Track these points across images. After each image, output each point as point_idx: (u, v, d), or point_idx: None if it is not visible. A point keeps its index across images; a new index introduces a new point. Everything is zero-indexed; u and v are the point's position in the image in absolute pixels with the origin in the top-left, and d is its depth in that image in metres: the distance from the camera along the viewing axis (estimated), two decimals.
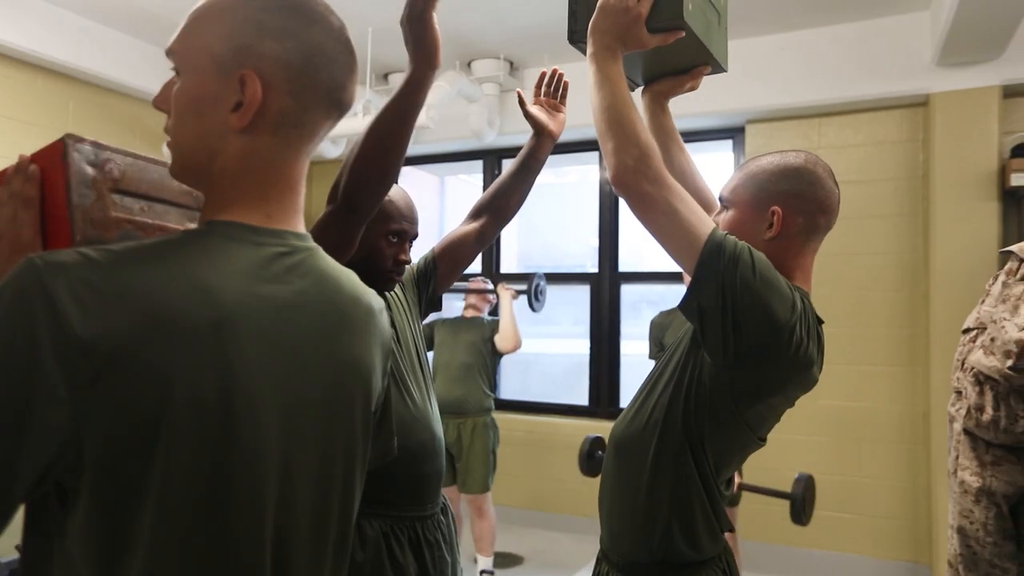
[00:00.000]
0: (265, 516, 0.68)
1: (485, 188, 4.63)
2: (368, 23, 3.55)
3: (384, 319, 0.86)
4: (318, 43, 0.73)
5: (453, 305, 4.20)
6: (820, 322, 1.17)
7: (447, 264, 1.69)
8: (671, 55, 1.26)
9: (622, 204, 4.60)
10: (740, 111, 3.73)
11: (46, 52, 3.38)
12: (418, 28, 1.15)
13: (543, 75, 1.60)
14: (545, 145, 1.62)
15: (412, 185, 5.89)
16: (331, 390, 0.75)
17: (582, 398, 4.40)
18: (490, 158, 4.68)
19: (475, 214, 1.69)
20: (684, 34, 1.17)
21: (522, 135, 4.29)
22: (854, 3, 3.30)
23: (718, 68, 1.34)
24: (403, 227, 1.47)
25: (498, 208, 1.67)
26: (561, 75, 1.63)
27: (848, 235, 3.55)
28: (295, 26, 0.72)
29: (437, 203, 7.31)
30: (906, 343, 3.50)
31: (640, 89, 1.44)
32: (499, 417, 4.26)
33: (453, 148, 4.66)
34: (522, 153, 1.63)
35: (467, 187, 6.71)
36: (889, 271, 3.55)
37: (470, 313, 3.60)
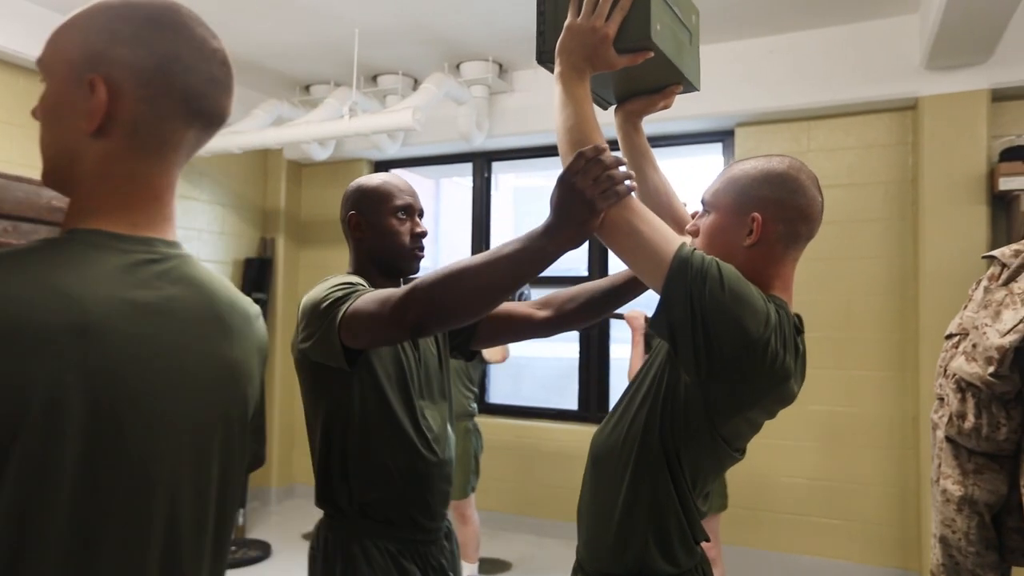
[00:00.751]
0: (146, 525, 0.68)
1: (474, 190, 4.69)
2: (354, 25, 3.52)
3: (261, 325, 0.87)
4: (172, 51, 0.74)
5: None
6: (799, 332, 1.14)
7: (489, 326, 1.57)
8: (642, 74, 1.25)
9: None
10: (730, 114, 3.71)
11: (28, 52, 3.35)
12: (563, 192, 1.03)
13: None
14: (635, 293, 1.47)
15: None
16: (208, 395, 0.76)
17: (572, 403, 4.37)
18: (479, 160, 4.66)
19: (543, 304, 1.57)
20: (653, 54, 1.15)
21: (510, 137, 4.30)
22: (843, 6, 3.28)
23: (690, 87, 1.33)
24: (407, 201, 1.48)
25: (565, 313, 1.52)
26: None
27: (837, 239, 3.53)
28: (149, 34, 0.74)
29: (432, 206, 7.30)
30: (895, 348, 3.48)
31: (612, 108, 1.43)
32: (488, 422, 4.24)
33: (442, 151, 4.64)
34: (619, 276, 1.50)
35: (461, 190, 6.69)
36: (878, 275, 3.53)
37: None
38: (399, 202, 1.47)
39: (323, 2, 3.31)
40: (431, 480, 1.44)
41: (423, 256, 1.50)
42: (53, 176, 0.76)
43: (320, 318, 1.26)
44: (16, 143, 3.36)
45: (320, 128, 3.78)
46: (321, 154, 4.40)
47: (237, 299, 0.83)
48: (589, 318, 1.54)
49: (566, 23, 1.14)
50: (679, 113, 3.21)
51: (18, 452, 0.60)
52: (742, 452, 1.22)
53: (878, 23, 3.40)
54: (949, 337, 1.79)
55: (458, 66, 4.05)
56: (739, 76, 3.60)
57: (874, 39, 3.41)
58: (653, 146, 1.45)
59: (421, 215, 1.52)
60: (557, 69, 1.15)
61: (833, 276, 3.56)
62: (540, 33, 1.25)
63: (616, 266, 4.34)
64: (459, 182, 6.45)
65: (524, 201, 7.37)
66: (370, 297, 1.20)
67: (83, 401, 0.63)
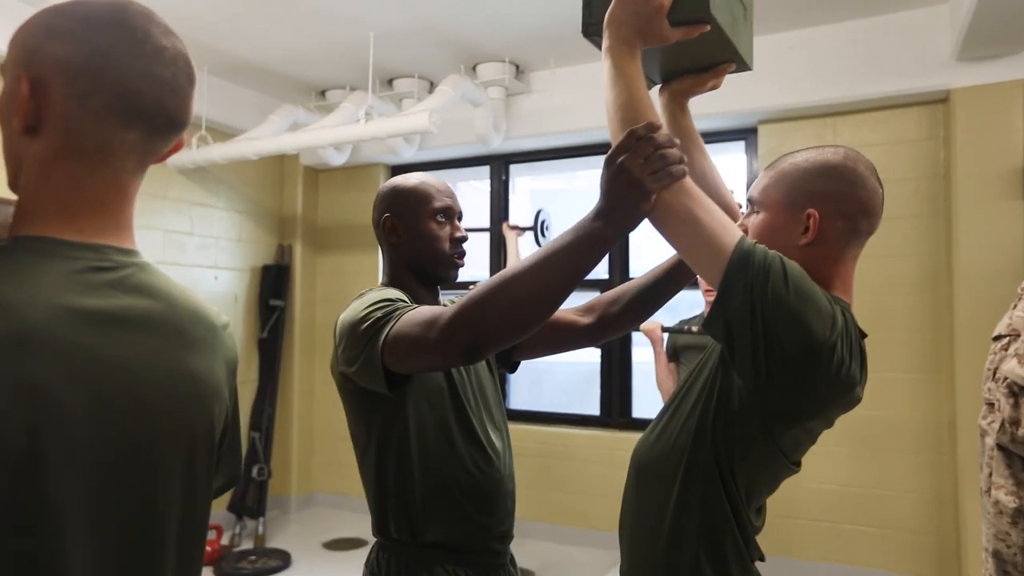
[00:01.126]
0: (84, 542, 0.64)
1: (492, 193, 4.64)
2: (369, 28, 3.48)
3: (229, 337, 0.83)
4: (104, 46, 0.70)
5: None
6: (863, 336, 1.06)
7: (534, 335, 1.38)
8: (693, 51, 1.16)
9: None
10: (752, 111, 3.63)
11: None
12: (612, 174, 0.95)
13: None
14: (687, 270, 1.37)
15: None
16: (169, 410, 0.71)
17: (594, 408, 4.29)
18: (497, 163, 4.60)
19: (586, 310, 1.47)
20: (709, 28, 1.07)
21: (528, 139, 4.25)
22: None
23: (743, 66, 1.23)
24: (446, 203, 1.38)
25: (609, 317, 1.43)
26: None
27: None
28: (83, 29, 0.70)
29: None
30: (929, 349, 3.37)
31: (657, 88, 1.34)
32: (510, 427, 4.17)
33: (459, 153, 4.59)
34: (658, 268, 1.42)
35: (479, 194, 6.65)
36: (909, 274, 3.42)
37: None
38: (438, 204, 1.36)
39: (338, 6, 3.27)
40: (496, 498, 1.34)
41: (463, 264, 1.39)
42: (10, 181, 0.74)
43: (360, 341, 1.15)
44: None
45: (336, 133, 3.74)
46: (337, 159, 4.37)
47: (201, 310, 0.79)
48: (635, 319, 1.44)
49: None
50: (700, 111, 3.13)
51: None
52: (799, 464, 1.13)
53: (905, 15, 3.30)
54: (998, 338, 1.69)
55: (474, 68, 4.01)
56: (761, 73, 3.49)
57: (902, 31, 3.31)
58: None
59: (460, 218, 1.42)
60: (605, 43, 1.07)
61: (862, 275, 3.42)
62: (586, 4, 1.17)
63: (632, 268, 4.27)
64: (476, 185, 6.40)
65: (542, 203, 7.30)
66: (414, 318, 1.09)
67: (18, 414, 0.60)
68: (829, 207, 1.05)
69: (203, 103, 4.04)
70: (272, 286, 4.69)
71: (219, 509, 4.31)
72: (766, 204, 1.11)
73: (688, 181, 0.98)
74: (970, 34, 2.89)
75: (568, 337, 1.46)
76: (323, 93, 4.44)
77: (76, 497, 0.63)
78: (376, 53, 3.68)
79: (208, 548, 3.91)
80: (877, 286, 3.44)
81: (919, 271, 3.40)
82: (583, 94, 3.99)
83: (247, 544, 4.18)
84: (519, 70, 4.07)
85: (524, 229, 3.54)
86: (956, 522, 3.25)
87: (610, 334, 1.46)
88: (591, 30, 1.17)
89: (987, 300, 3.06)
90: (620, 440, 4.02)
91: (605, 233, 0.96)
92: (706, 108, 3.41)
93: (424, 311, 1.10)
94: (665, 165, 0.93)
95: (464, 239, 1.39)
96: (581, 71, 4.01)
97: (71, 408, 0.63)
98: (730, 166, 4.16)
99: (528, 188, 7.67)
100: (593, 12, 1.16)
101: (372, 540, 1.40)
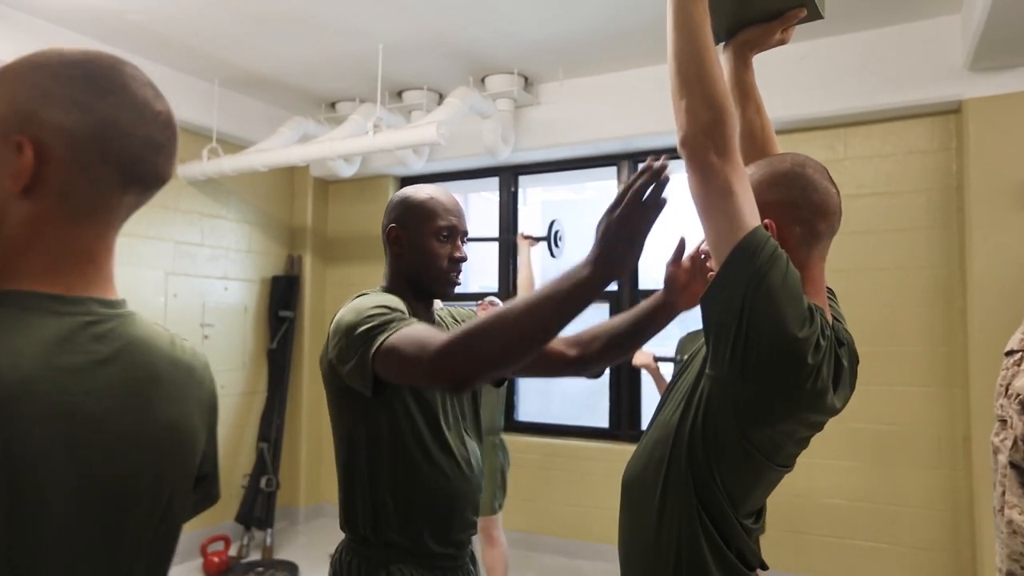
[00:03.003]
0: None
1: (501, 205, 4.63)
2: (378, 41, 3.50)
3: (207, 377, 0.84)
4: (111, 116, 0.70)
5: None
6: (841, 344, 1.05)
7: None
8: None
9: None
10: None
11: None
12: (607, 224, 1.00)
13: (680, 249, 1.40)
14: (669, 316, 1.42)
15: None
16: (144, 461, 0.73)
17: (603, 420, 4.26)
18: (506, 174, 4.61)
19: (573, 343, 1.50)
20: None
21: (537, 150, 4.24)
22: (878, 9, 3.17)
23: (815, 13, 1.18)
24: (451, 222, 1.40)
25: (591, 353, 1.46)
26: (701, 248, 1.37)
27: (877, 249, 3.40)
28: (85, 97, 0.70)
29: None
30: (942, 362, 3.32)
31: (722, 45, 1.31)
32: (517, 440, 4.15)
33: (468, 165, 4.60)
34: (639, 308, 1.45)
35: (490, 205, 6.67)
36: (921, 286, 3.38)
37: None
38: (442, 223, 1.39)
39: (347, 19, 3.30)
40: (461, 505, 1.39)
41: (459, 283, 1.44)
42: None
43: (356, 343, 1.19)
44: None
45: (345, 144, 3.76)
46: (347, 171, 4.39)
47: (180, 355, 0.80)
48: (614, 358, 1.49)
49: None
50: None
51: None
52: (788, 466, 1.12)
53: (916, 25, 3.28)
54: (1010, 353, 1.66)
55: (483, 80, 4.02)
56: (771, 84, 3.47)
57: (913, 41, 3.29)
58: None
59: (464, 238, 1.44)
60: None
61: (874, 287, 3.42)
62: None
63: (641, 280, 4.25)
64: (488, 197, 6.41)
65: (553, 215, 7.30)
66: (410, 336, 1.11)
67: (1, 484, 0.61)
68: (784, 215, 1.06)
69: (214, 115, 4.08)
70: (282, 297, 4.70)
71: (227, 520, 4.31)
72: None
73: (737, 153, 0.99)
74: (982, 44, 2.86)
75: (555, 366, 1.49)
76: (333, 105, 4.47)
77: (50, 548, 0.65)
78: (385, 65, 3.70)
79: (216, 559, 3.90)
80: (889, 298, 3.40)
81: (932, 283, 3.36)
82: (592, 105, 3.99)
83: (255, 555, 4.17)
84: (528, 82, 4.08)
85: (538, 239, 3.53)
86: (972, 540, 3.19)
87: (590, 368, 1.49)
88: None
89: (1001, 313, 3.01)
90: (629, 453, 3.95)
91: (593, 283, 0.99)
92: None
93: (420, 331, 1.12)
94: (653, 211, 0.98)
95: (463, 259, 1.42)
96: (590, 83, 4.01)
97: (50, 465, 0.64)
98: None
99: (539, 199, 7.67)
100: None
101: None
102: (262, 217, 4.70)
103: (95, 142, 0.70)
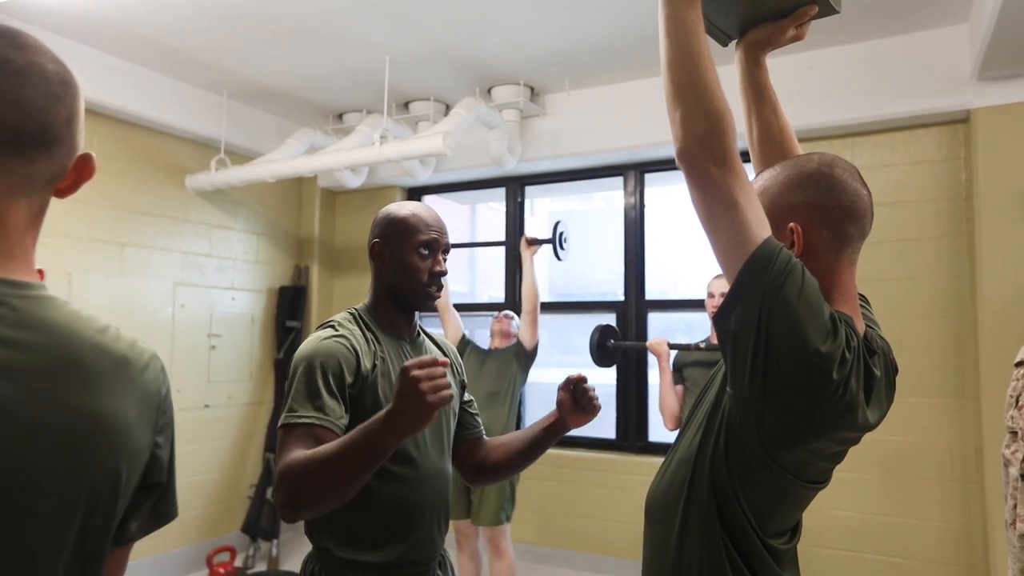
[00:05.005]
0: None
1: (507, 215, 4.63)
2: (385, 52, 3.52)
3: (150, 372, 0.77)
4: None
5: (485, 334, 4.10)
6: (872, 353, 1.01)
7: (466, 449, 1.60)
8: None
9: (648, 231, 4.55)
10: None
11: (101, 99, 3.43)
12: (403, 382, 1.10)
13: (572, 379, 1.50)
14: (560, 431, 1.52)
15: (440, 213, 5.86)
16: (51, 450, 0.66)
17: (610, 431, 4.24)
18: (512, 185, 4.61)
19: (484, 447, 1.62)
20: None
21: (543, 161, 4.25)
22: (886, 19, 3.16)
23: (828, 9, 1.12)
24: (431, 237, 1.44)
25: (498, 469, 1.57)
26: (585, 389, 1.49)
27: (886, 259, 3.37)
28: None
29: (468, 232, 7.27)
30: (954, 373, 3.28)
31: (733, 43, 1.26)
32: None
33: (474, 175, 4.61)
34: (536, 425, 1.54)
35: (497, 215, 6.71)
36: (931, 297, 3.34)
37: (497, 343, 3.51)
38: (424, 237, 1.43)
39: (354, 32, 3.32)
40: (419, 516, 1.39)
41: (439, 296, 1.47)
42: None
43: (287, 392, 1.32)
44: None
45: (352, 155, 3.78)
46: (354, 181, 4.40)
47: (110, 345, 0.73)
48: (511, 466, 1.56)
49: None
50: None
51: None
52: (821, 482, 1.07)
53: (924, 34, 3.27)
54: (1020, 364, 1.64)
55: (489, 90, 4.03)
56: (778, 93, 3.48)
57: (920, 51, 3.28)
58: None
59: (446, 252, 1.48)
60: None
61: (883, 297, 3.38)
62: None
63: (648, 290, 4.23)
64: (495, 207, 6.43)
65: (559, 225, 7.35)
66: (285, 448, 1.23)
67: None
68: (811, 217, 1.01)
69: (222, 127, 4.10)
70: (289, 307, 4.71)
71: (233, 531, 4.30)
72: None
73: (739, 162, 0.94)
74: (990, 53, 2.85)
75: (461, 467, 1.59)
76: (340, 116, 4.49)
77: None
78: (392, 77, 3.72)
79: (221, 570, 3.89)
80: (899, 308, 3.37)
81: (942, 293, 3.33)
82: (598, 116, 3.99)
83: (261, 566, 4.16)
84: (534, 92, 4.09)
85: (542, 241, 3.53)
86: (985, 554, 3.14)
87: (490, 473, 1.58)
88: None
89: (1013, 323, 2.98)
90: (636, 464, 3.95)
91: (388, 441, 1.12)
92: None
93: (293, 452, 1.21)
94: (443, 384, 1.09)
95: (442, 273, 1.46)
96: (596, 93, 4.01)
97: None
98: None
99: (547, 210, 7.69)
100: None
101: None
102: (270, 228, 4.72)
103: None
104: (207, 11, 3.14)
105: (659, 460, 1.24)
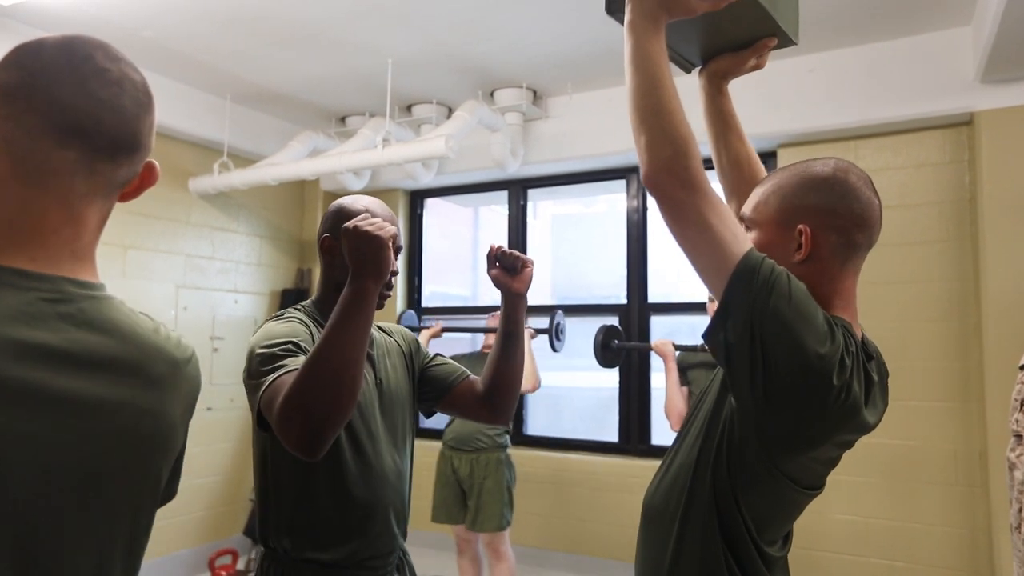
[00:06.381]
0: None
1: (510, 218, 4.63)
2: (388, 56, 3.53)
3: (192, 370, 0.81)
4: (42, 67, 0.70)
5: (476, 339, 4.10)
6: (870, 358, 1.01)
7: (433, 388, 1.56)
8: (729, 25, 1.10)
9: (650, 234, 4.54)
10: (771, 135, 3.59)
11: None
12: (348, 239, 1.14)
13: (492, 250, 1.46)
14: (517, 305, 1.47)
15: (442, 216, 5.85)
16: (116, 448, 0.69)
17: (612, 434, 4.23)
18: (515, 188, 4.61)
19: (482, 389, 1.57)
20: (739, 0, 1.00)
21: (546, 164, 4.25)
22: (888, 21, 3.16)
23: (787, 40, 1.15)
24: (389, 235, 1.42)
25: (496, 386, 1.51)
26: (505, 252, 1.45)
27: (890, 262, 3.36)
28: (25, 56, 0.71)
29: (470, 235, 7.28)
30: (957, 377, 3.27)
31: (697, 69, 1.28)
32: (526, 454, 4.12)
33: (477, 178, 4.61)
34: (500, 324, 1.50)
35: (500, 218, 6.72)
36: (935, 300, 3.33)
37: (491, 342, 3.50)
38: None
39: (357, 35, 3.32)
40: (375, 509, 1.37)
41: (389, 295, 1.40)
42: None
43: (250, 378, 1.24)
44: None
45: (354, 158, 3.78)
46: (357, 184, 4.41)
47: (164, 345, 0.76)
48: (499, 372, 1.49)
49: None
50: None
51: None
52: (817, 488, 1.07)
53: (927, 37, 3.27)
54: None
55: (492, 93, 4.03)
56: (780, 96, 3.49)
57: (923, 54, 3.27)
58: None
59: (397, 252, 1.44)
60: (628, 16, 1.01)
61: (886, 301, 3.38)
62: None
63: (650, 293, 4.22)
64: (498, 210, 6.43)
65: (562, 228, 7.33)
66: (277, 390, 1.14)
67: None
68: (821, 221, 1.02)
69: (225, 130, 4.11)
70: None
71: (235, 534, 4.29)
72: (758, 221, 1.07)
73: (706, 183, 0.95)
74: (993, 55, 2.84)
75: (467, 396, 1.53)
76: (343, 119, 4.50)
77: (5, 531, 0.62)
78: (394, 80, 3.72)
79: (223, 573, 3.89)
80: (903, 312, 3.36)
81: (945, 297, 3.32)
82: (600, 119, 3.99)
83: (239, 565, 4.15)
84: (536, 95, 4.09)
85: (539, 331, 3.49)
86: (990, 558, 3.12)
87: (496, 407, 1.51)
88: (614, 7, 1.09)
89: (1017, 326, 2.97)
90: (639, 467, 3.94)
91: (366, 287, 1.11)
92: None
93: (284, 384, 1.14)
94: (384, 223, 1.14)
95: (393, 273, 1.41)
96: (598, 96, 4.01)
97: (8, 443, 0.62)
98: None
99: (549, 213, 7.68)
100: None
101: None
102: (272, 230, 4.73)
103: (24, 91, 0.69)
104: (211, 15, 3.15)
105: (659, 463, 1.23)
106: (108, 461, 0.69)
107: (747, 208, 1.10)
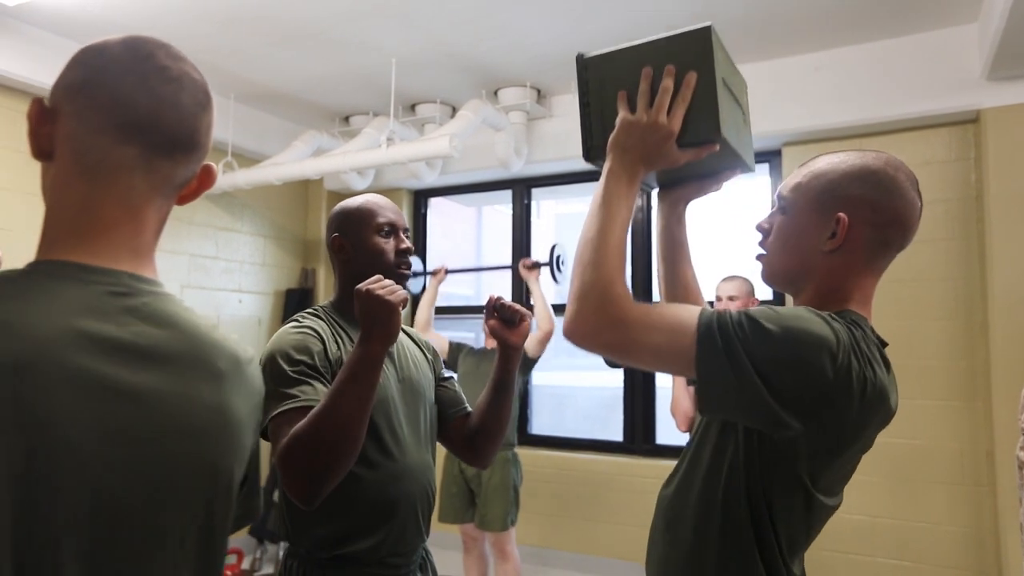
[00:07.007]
0: (79, 566, 0.61)
1: (514, 217, 4.63)
2: (391, 55, 3.52)
3: (254, 370, 0.80)
4: (104, 64, 0.71)
5: (483, 336, 4.10)
6: (884, 344, 1.01)
7: (457, 426, 1.58)
8: (697, 163, 1.12)
9: (653, 233, 4.50)
10: (776, 134, 3.58)
11: (35, 77, 3.40)
12: (360, 302, 1.18)
13: (490, 301, 1.46)
14: (512, 356, 1.47)
15: (446, 216, 5.85)
16: (185, 442, 0.68)
17: (616, 434, 4.22)
18: (519, 187, 4.60)
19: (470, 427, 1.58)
20: (719, 147, 1.02)
21: (550, 163, 4.24)
22: (894, 19, 3.14)
23: (746, 169, 1.19)
24: (389, 218, 1.45)
25: (480, 431, 1.52)
26: (503, 304, 1.45)
27: (894, 260, 3.34)
28: (90, 55, 0.72)
29: (474, 234, 7.27)
30: (964, 376, 3.25)
31: (656, 191, 1.29)
32: (530, 453, 4.11)
33: (481, 178, 4.61)
34: (494, 371, 1.51)
35: (504, 218, 6.71)
36: (941, 299, 3.32)
37: (493, 344, 3.49)
38: (381, 219, 1.44)
39: (360, 34, 3.32)
40: (398, 506, 1.38)
41: (409, 274, 1.46)
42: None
43: (266, 402, 1.26)
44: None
45: (358, 158, 3.78)
46: (361, 184, 4.41)
47: (224, 342, 0.76)
48: (487, 418, 1.51)
49: (620, 117, 1.02)
50: None
51: None
52: (839, 501, 1.06)
53: (933, 34, 3.25)
54: None
55: (496, 92, 4.03)
56: (785, 95, 3.48)
57: (929, 51, 3.25)
58: None
59: (406, 233, 1.49)
60: (607, 165, 1.02)
61: (892, 299, 3.36)
62: (585, 127, 1.11)
63: (655, 292, 4.21)
64: (501, 210, 6.43)
65: (566, 228, 7.33)
66: (280, 430, 1.20)
67: (16, 440, 0.58)
68: (861, 213, 0.99)
69: (229, 129, 4.11)
70: (295, 310, 4.71)
71: (240, 534, 4.30)
72: (795, 203, 1.04)
73: (630, 308, 0.93)
74: (1000, 53, 2.83)
75: (455, 431, 1.55)
76: (347, 119, 4.50)
77: (74, 521, 0.61)
78: (398, 79, 3.72)
79: (228, 573, 3.89)
80: (909, 310, 3.35)
81: (952, 295, 3.30)
82: None
83: (268, 569, 4.16)
84: (540, 94, 4.08)
85: (540, 265, 3.50)
86: (998, 558, 3.11)
87: (486, 445, 1.52)
88: (593, 154, 1.10)
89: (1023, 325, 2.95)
90: (644, 467, 3.93)
91: (373, 351, 1.16)
92: None
93: (290, 422, 1.19)
94: (396, 287, 1.18)
95: (408, 250, 1.46)
96: None
97: (74, 433, 0.61)
98: (754, 189, 4.11)
99: (553, 212, 7.67)
100: (594, 136, 1.09)
101: None
102: (276, 230, 4.73)
103: (88, 88, 0.70)
104: (213, 14, 3.15)
105: (666, 463, 1.21)
106: (176, 458, 0.68)
107: (784, 188, 1.08)
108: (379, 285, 1.17)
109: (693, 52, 1.01)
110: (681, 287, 1.26)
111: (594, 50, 1.12)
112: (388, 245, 1.43)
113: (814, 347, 0.88)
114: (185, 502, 0.69)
